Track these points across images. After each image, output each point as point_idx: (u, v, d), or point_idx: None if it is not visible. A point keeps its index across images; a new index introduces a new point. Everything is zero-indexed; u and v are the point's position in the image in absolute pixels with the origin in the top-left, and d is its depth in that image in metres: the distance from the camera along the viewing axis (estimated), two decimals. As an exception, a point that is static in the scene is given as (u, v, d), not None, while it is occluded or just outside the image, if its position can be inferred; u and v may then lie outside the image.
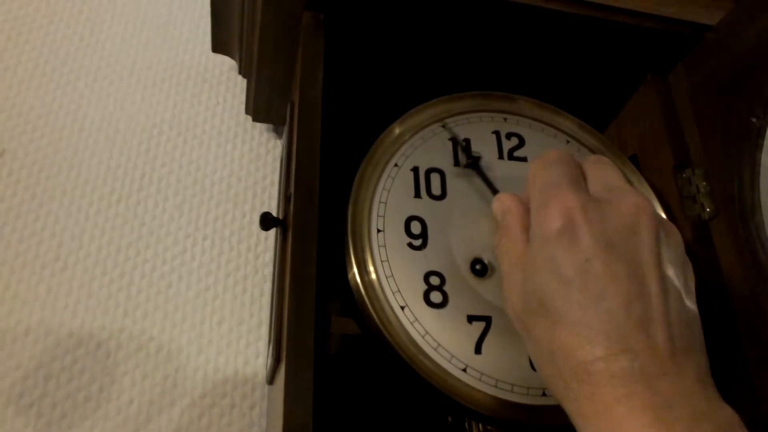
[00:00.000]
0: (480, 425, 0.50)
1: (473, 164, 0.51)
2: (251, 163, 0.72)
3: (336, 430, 0.50)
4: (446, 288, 0.47)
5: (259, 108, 0.69)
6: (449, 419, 0.53)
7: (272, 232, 0.66)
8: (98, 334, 0.60)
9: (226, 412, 0.59)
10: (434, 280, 0.47)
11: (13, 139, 0.69)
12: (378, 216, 0.49)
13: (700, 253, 0.54)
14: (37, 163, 0.68)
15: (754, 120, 0.53)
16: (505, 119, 0.56)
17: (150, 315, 0.62)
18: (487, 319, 0.46)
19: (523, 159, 0.54)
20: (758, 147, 0.53)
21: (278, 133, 0.75)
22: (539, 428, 0.46)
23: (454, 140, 0.53)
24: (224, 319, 0.63)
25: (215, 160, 0.71)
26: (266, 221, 0.52)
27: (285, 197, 0.52)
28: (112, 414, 0.58)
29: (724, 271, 0.53)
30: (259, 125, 0.75)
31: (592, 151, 0.57)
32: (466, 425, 0.52)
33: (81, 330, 0.60)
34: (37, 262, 0.63)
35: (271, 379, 0.53)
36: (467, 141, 0.53)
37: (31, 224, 0.65)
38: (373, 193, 0.50)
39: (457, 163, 0.52)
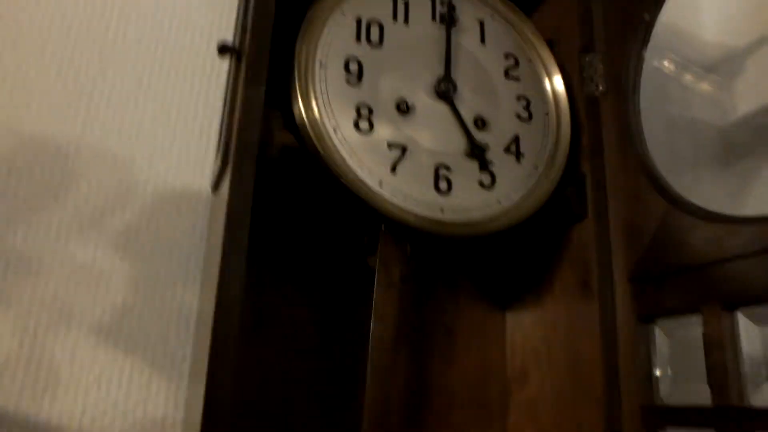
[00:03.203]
0: (390, 245, 0.60)
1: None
2: (210, 0, 0.77)
3: (271, 223, 0.60)
4: (373, 118, 0.56)
5: (221, -47, 0.74)
6: (365, 239, 0.64)
7: (225, 66, 0.73)
8: (58, 138, 0.67)
9: (173, 218, 0.68)
10: (364, 111, 0.56)
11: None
12: (323, 53, 0.57)
13: (588, 125, 0.64)
14: (1, -23, 0.71)
15: (646, 15, 0.63)
16: (443, -13, 0.63)
17: (108, 129, 0.69)
18: (404, 148, 0.56)
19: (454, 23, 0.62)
20: (646, 40, 0.64)
21: (236, -20, 0.79)
22: (437, 237, 0.56)
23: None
24: (175, 140, 0.71)
25: (175, -4, 0.76)
26: (223, 48, 0.59)
27: (241, 27, 0.58)
28: (70, 208, 0.65)
29: (604, 140, 0.64)
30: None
31: (513, 26, 0.65)
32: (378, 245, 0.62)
33: (43, 133, 0.66)
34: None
35: (216, 186, 0.62)
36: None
37: (-4, 34, 0.69)
38: (320, 33, 0.58)
39: (395, 18, 0.60)
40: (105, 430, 0.60)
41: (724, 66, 0.88)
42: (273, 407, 0.60)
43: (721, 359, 0.48)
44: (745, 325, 0.48)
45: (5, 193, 0.64)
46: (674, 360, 0.53)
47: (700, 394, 0.49)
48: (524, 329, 0.66)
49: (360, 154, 0.55)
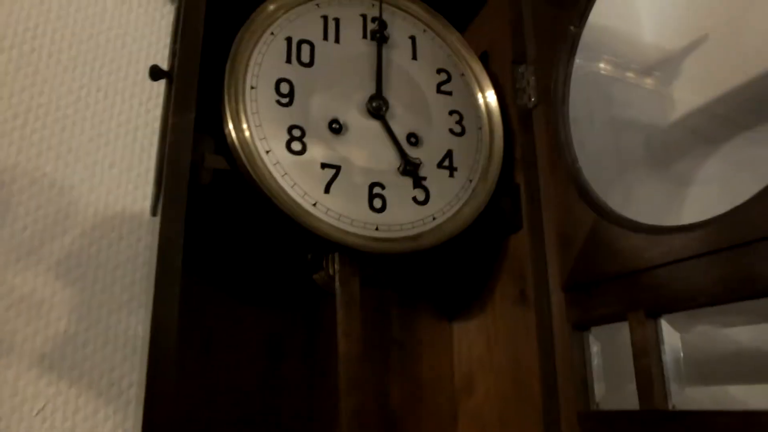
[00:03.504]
0: (335, 262, 0.61)
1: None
2: (146, 26, 0.77)
3: (211, 246, 0.60)
4: (305, 139, 0.57)
5: (156, -27, 0.74)
6: (309, 256, 0.64)
7: (162, 90, 0.73)
8: (-7, 167, 0.66)
9: (115, 243, 0.68)
10: (296, 132, 0.56)
11: None
12: (253, 75, 0.57)
13: (521, 137, 0.66)
14: (-70, 2, 0.70)
15: (572, 28, 0.65)
16: (373, 5, 0.64)
17: (44, 154, 0.68)
18: (337, 168, 0.57)
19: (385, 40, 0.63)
20: (573, 51, 0.65)
21: None
22: (371, 255, 0.57)
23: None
24: (115, 163, 0.70)
25: (111, 18, 0.76)
26: (155, 72, 0.59)
27: (172, 53, 0.58)
28: (6, 237, 0.65)
29: (537, 151, 0.65)
30: (155, -10, 0.79)
31: (445, 41, 0.66)
32: (324, 263, 0.62)
33: (-24, 162, 0.66)
34: (-68, 97, 0.67)
35: (154, 210, 0.62)
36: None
37: (-75, 61, 0.68)
38: (250, 55, 0.58)
39: (325, 38, 0.61)
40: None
41: (662, 67, 0.90)
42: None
43: (646, 365, 0.49)
44: (667, 331, 0.49)
45: (-61, 224, 0.63)
46: (607, 366, 0.55)
47: (631, 399, 0.51)
48: (469, 339, 0.67)
49: (293, 175, 0.55)
